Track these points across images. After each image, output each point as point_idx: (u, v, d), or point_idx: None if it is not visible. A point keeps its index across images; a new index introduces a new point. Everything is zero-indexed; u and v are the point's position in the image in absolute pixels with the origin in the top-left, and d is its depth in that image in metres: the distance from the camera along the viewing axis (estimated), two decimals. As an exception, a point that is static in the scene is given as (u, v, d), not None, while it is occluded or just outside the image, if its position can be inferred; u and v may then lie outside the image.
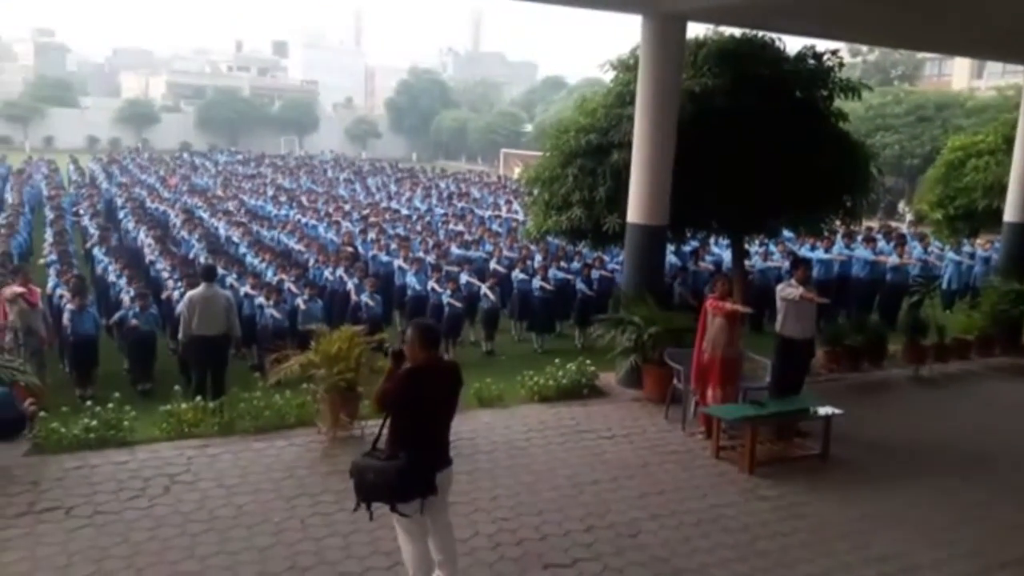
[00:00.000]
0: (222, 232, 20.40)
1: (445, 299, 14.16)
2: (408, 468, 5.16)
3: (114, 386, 10.26)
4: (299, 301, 13.25)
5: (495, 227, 22.25)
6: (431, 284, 14.60)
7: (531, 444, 8.88)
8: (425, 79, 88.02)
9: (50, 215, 22.12)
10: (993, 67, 51.03)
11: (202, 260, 15.41)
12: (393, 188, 33.81)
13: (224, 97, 78.49)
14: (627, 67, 11.90)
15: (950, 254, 18.79)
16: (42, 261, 16.54)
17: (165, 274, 14.59)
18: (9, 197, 27.01)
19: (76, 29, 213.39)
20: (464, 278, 15.08)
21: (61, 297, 12.80)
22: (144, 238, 18.42)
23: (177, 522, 6.91)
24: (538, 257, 16.66)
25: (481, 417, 9.66)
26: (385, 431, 5.37)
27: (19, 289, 11.16)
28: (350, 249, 17.54)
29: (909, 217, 25.71)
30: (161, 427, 8.79)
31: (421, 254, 16.93)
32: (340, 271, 15.12)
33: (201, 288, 10.76)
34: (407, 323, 14.50)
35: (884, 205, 38.03)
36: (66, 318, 12.03)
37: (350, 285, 14.46)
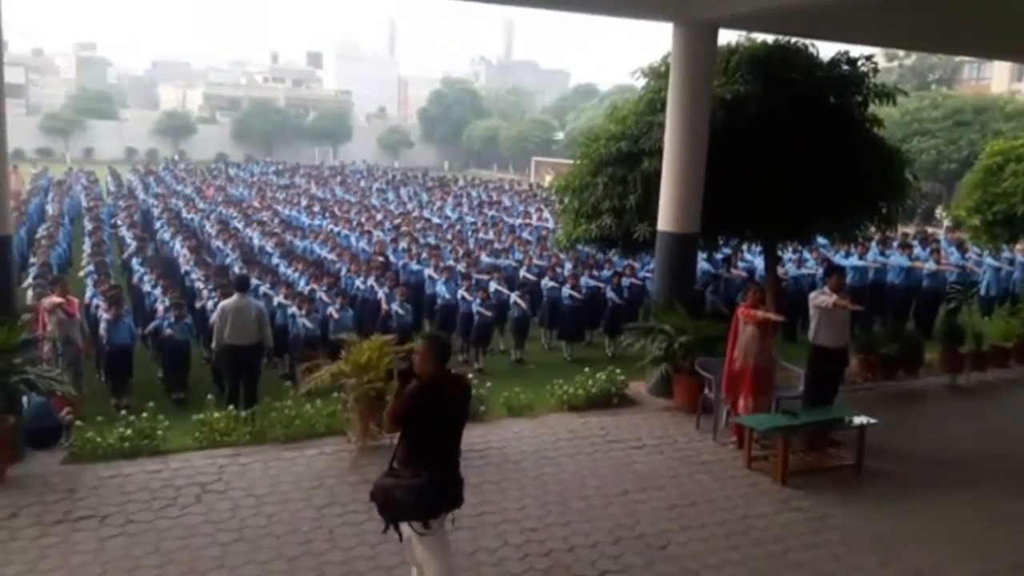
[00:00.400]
0: (256, 242, 20.56)
1: (475, 307, 14.11)
2: (432, 483, 5.12)
3: (149, 395, 10.34)
4: (331, 310, 13.30)
5: (525, 235, 22.16)
6: (461, 293, 14.56)
7: (560, 454, 8.82)
8: (457, 88, 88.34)
9: (88, 226, 22.46)
10: (1034, 69, 50.09)
11: (236, 270, 15.53)
12: (424, 197, 33.79)
13: (259, 108, 79.34)
14: (658, 74, 11.86)
15: (988, 260, 18.47)
16: (81, 272, 16.77)
17: (200, 284, 14.73)
18: (50, 208, 27.47)
19: (117, 43, 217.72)
20: (493, 286, 15.00)
21: (97, 307, 12.94)
22: (180, 248, 18.64)
23: (208, 531, 6.95)
24: (568, 265, 16.63)
25: (511, 427, 9.63)
26: (400, 450, 5.30)
27: (58, 300, 11.32)
28: (381, 258, 17.55)
29: (946, 223, 25.21)
30: (194, 436, 8.86)
31: (451, 262, 16.93)
32: (371, 280, 15.15)
33: (234, 298, 10.88)
34: (438, 329, 14.45)
35: (921, 211, 37.35)
36: (102, 328, 12.18)
37: (381, 294, 14.46)
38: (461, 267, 16.29)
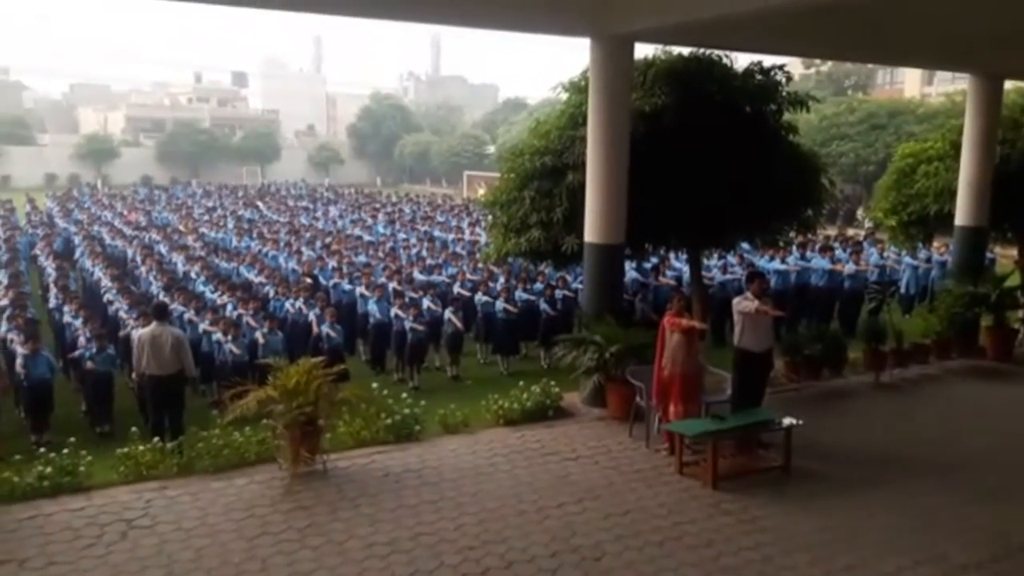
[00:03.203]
0: (180, 268, 20.06)
1: (408, 325, 13.97)
2: None
3: (72, 430, 10.03)
4: (259, 335, 13.05)
5: (458, 250, 22.04)
6: (394, 311, 14.41)
7: (497, 470, 8.79)
8: (387, 104, 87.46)
9: (5, 257, 21.69)
10: (944, 74, 51.90)
11: (160, 297, 15.17)
12: (356, 215, 33.36)
13: (184, 129, 77.43)
14: (579, 89, 11.91)
15: (907, 259, 18.90)
16: (-4, 307, 16.12)
17: (123, 313, 14.32)
18: (-37, 241, 26.42)
19: (32, 66, 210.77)
20: (426, 303, 14.87)
21: (12, 342, 12.48)
22: (102, 276, 18.10)
23: (134, 569, 6.74)
24: (501, 279, 16.54)
25: (447, 445, 9.55)
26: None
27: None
28: (310, 279, 17.25)
29: (868, 224, 25.78)
30: (119, 471, 8.60)
31: (384, 280, 16.69)
32: (300, 302, 14.90)
33: (151, 327, 10.59)
34: (371, 349, 14.52)
35: (843, 213, 38.15)
36: (19, 363, 11.73)
37: (311, 316, 14.22)
38: (394, 285, 16.09)
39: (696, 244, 12.63)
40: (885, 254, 18.97)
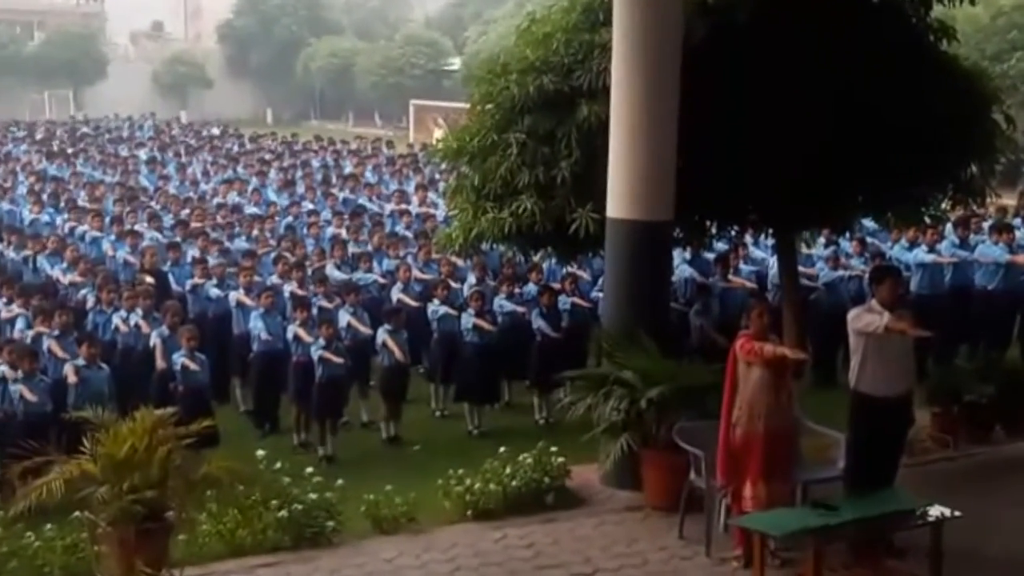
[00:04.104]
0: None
1: (316, 354, 10.96)
2: None
3: None
4: (68, 369, 10.41)
5: (401, 230, 17.39)
6: (293, 330, 11.25)
7: (462, 596, 7.46)
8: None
9: None
10: None
11: None
12: (230, 172, 25.99)
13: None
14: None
15: None
16: None
17: None
18: None
19: None
20: (347, 318, 11.63)
21: None
22: None
23: None
24: (471, 278, 13.27)
25: (379, 552, 7.64)
26: None
27: None
28: (151, 280, 13.46)
29: None
30: None
31: (276, 280, 13.10)
32: (137, 316, 11.63)
33: None
34: (255, 394, 12.07)
35: None
36: None
37: (155, 338, 11.10)
38: (293, 287, 12.67)
39: (788, 222, 10.79)
40: None
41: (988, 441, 9.90)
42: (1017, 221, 15.04)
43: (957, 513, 6.85)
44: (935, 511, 6.89)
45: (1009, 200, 19.16)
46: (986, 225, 14.00)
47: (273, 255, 14.26)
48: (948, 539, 6.80)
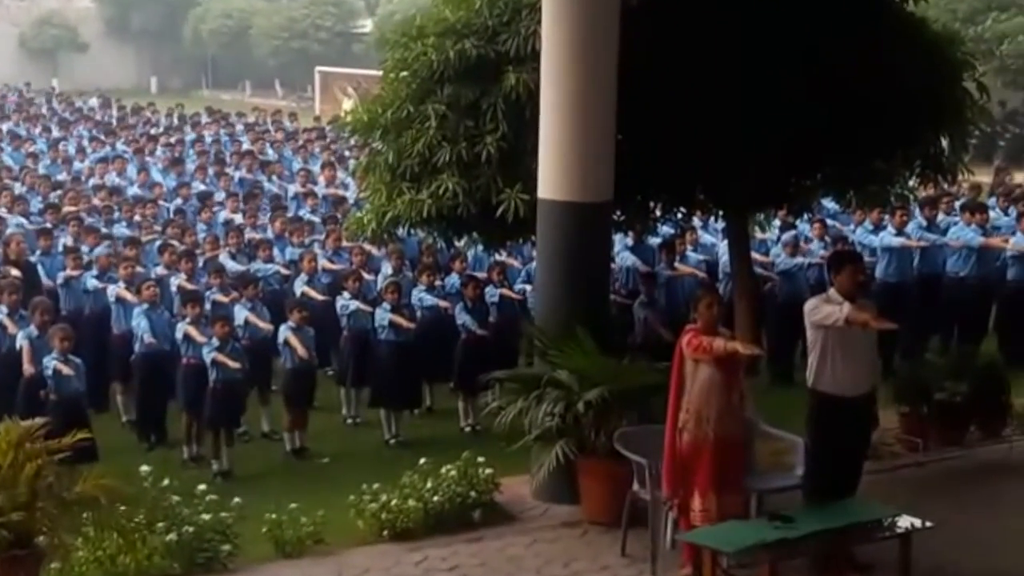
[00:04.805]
0: None
1: (209, 355, 10.27)
2: None
3: None
4: None
5: (305, 214, 16.61)
6: (182, 328, 10.53)
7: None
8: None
9: None
10: None
11: None
12: (109, 148, 24.47)
13: None
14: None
15: None
16: None
17: None
18: None
19: None
20: (243, 314, 10.93)
21: None
22: None
23: None
24: (386, 268, 12.63)
25: None
26: None
27: None
28: (15, 272, 12.48)
29: None
30: None
31: (162, 271, 12.33)
32: (1, 313, 10.77)
33: None
34: (139, 401, 11.41)
35: (1006, 145, 28.04)
36: None
37: (22, 339, 10.32)
38: (181, 280, 11.90)
39: (740, 203, 10.40)
40: None
41: (961, 443, 9.45)
42: (991, 201, 14.51)
43: (928, 524, 6.63)
44: (903, 522, 6.69)
45: (984, 177, 18.47)
46: (957, 205, 13.46)
47: (159, 243, 13.33)
48: (918, 552, 6.57)
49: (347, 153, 20.42)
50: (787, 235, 12.64)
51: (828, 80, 8.94)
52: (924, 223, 12.69)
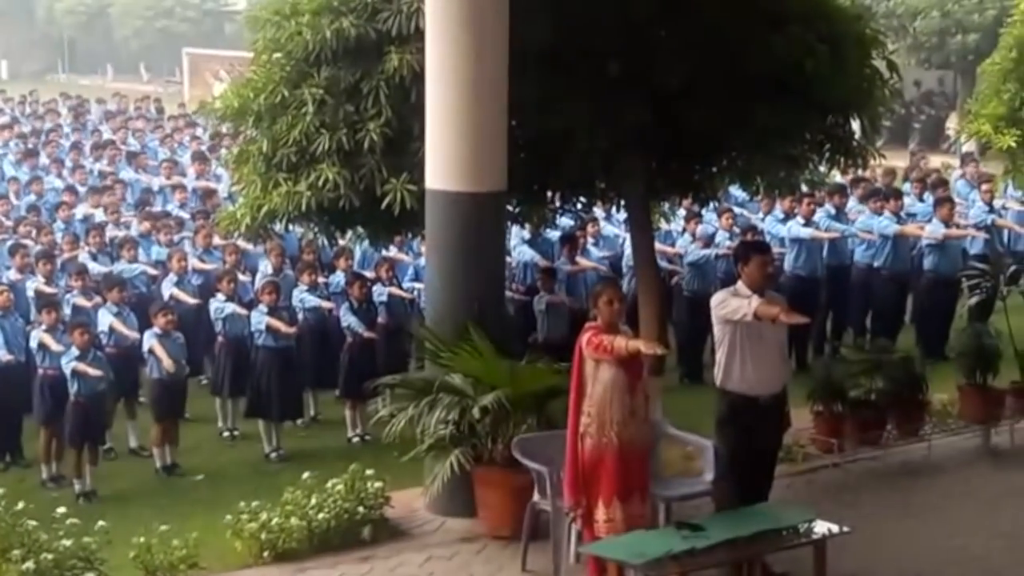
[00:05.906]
0: None
1: (69, 366, 9.67)
2: None
3: None
4: None
5: (173, 209, 16.04)
6: (37, 336, 9.91)
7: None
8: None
9: None
10: None
11: None
12: None
13: None
14: None
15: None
16: None
17: None
18: None
19: None
20: (108, 319, 10.33)
21: None
22: None
23: None
24: (263, 266, 12.10)
25: None
26: None
27: None
28: None
29: (966, 146, 19.29)
30: None
31: (14, 275, 11.73)
32: None
33: None
34: None
35: (920, 126, 27.16)
36: None
37: None
38: (37, 283, 11.29)
39: (641, 191, 10.18)
40: (1000, 202, 14.39)
41: (878, 443, 9.22)
42: (906, 186, 14.26)
43: (844, 528, 6.51)
44: (819, 527, 6.53)
45: (899, 162, 18.25)
46: (869, 192, 13.17)
47: (10, 243, 12.58)
48: (834, 559, 6.47)
49: (217, 145, 19.36)
50: (700, 228, 12.26)
51: (726, 56, 8.68)
52: (832, 211, 12.41)
